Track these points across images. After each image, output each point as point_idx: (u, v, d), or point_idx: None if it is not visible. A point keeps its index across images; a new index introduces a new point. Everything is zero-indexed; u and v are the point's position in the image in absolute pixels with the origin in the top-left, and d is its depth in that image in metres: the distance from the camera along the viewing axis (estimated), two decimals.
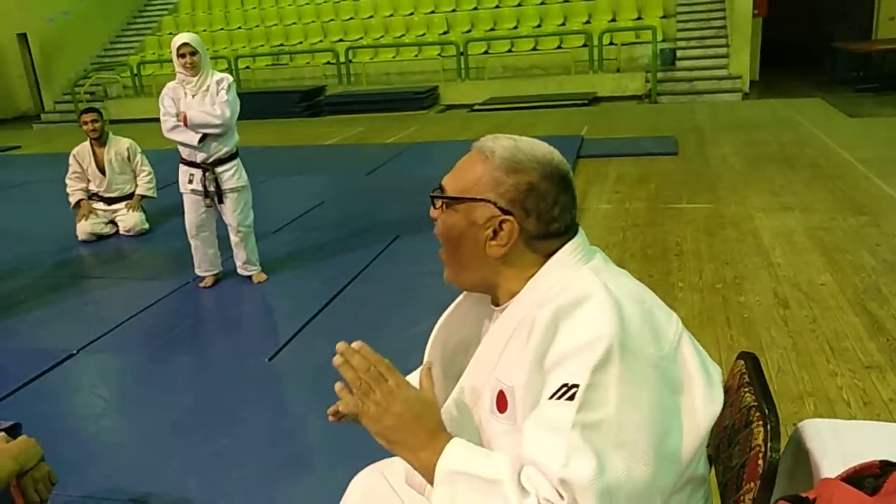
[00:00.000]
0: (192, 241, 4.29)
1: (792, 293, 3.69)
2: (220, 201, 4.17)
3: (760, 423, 1.14)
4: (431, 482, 1.03)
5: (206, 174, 4.09)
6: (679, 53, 12.54)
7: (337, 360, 1.08)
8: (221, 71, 4.37)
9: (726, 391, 1.34)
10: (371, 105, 12.44)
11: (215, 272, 4.38)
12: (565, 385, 0.97)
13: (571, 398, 0.95)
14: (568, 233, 1.15)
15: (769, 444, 1.10)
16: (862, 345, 3.11)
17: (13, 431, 1.89)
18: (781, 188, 5.68)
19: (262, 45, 15.54)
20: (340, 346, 1.09)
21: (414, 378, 1.25)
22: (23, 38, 17.29)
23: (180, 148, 4.13)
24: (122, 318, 3.93)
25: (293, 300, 4.11)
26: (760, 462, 1.11)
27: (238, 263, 4.37)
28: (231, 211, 4.19)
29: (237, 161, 4.19)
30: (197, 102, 4.00)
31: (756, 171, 6.32)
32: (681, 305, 3.62)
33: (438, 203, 1.18)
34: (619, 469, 0.93)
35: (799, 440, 1.32)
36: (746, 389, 1.26)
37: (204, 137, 4.02)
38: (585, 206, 5.53)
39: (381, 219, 5.53)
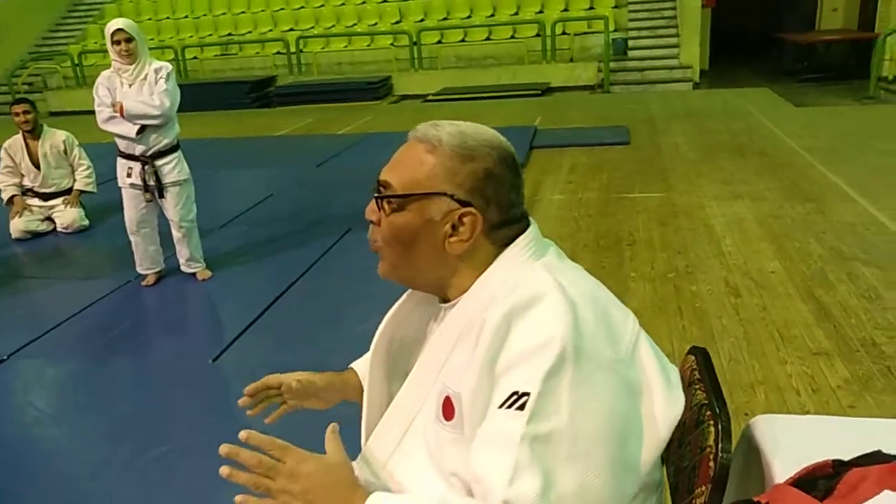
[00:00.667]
0: (132, 238, 4.11)
1: (742, 281, 3.71)
2: (161, 196, 4.00)
3: (711, 422, 1.08)
4: None
5: (146, 167, 3.91)
6: (631, 43, 12.62)
7: (224, 470, 0.95)
8: (168, 61, 4.19)
9: None
10: (323, 95, 12.23)
11: (157, 270, 4.21)
12: (515, 393, 0.90)
13: (522, 407, 0.89)
14: (522, 219, 1.08)
15: (720, 445, 1.05)
16: (810, 332, 3.13)
17: None
18: (732, 177, 5.74)
19: (210, 35, 15.13)
20: (223, 448, 0.96)
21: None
22: None
23: (117, 140, 3.94)
24: (58, 319, 3.74)
25: (239, 298, 3.97)
26: (712, 464, 1.05)
27: (181, 260, 4.21)
28: (173, 206, 4.02)
29: (178, 153, 4.02)
30: (134, 92, 3.82)
31: (708, 159, 6.37)
32: (633, 296, 3.60)
33: (386, 204, 1.06)
34: (569, 484, 0.87)
35: (750, 437, 1.28)
36: (697, 386, 1.21)
37: (142, 129, 3.84)
38: (539, 197, 5.50)
39: (332, 212, 5.41)
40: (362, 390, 1.32)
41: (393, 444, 1.13)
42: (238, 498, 0.97)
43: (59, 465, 2.53)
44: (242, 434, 1.00)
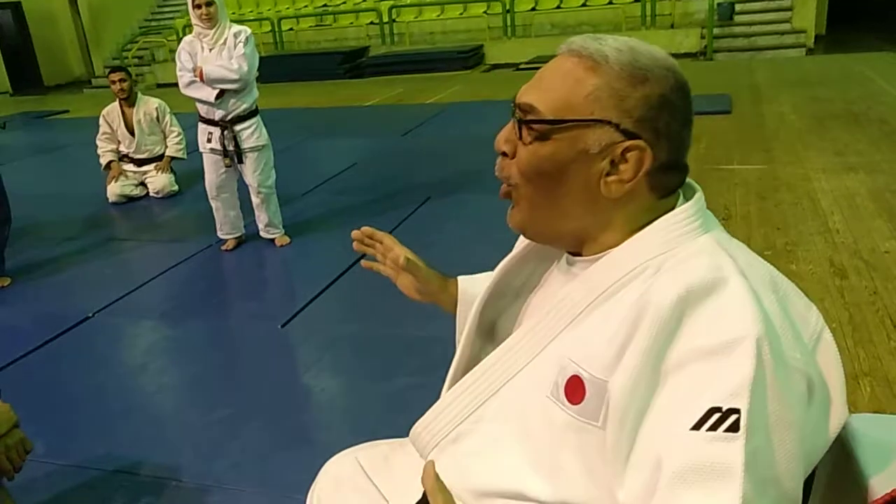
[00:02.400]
0: (212, 203, 4.17)
1: (850, 262, 3.36)
2: (240, 161, 4.02)
3: None
4: None
5: (225, 132, 3.94)
6: (738, 7, 11.84)
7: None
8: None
9: None
10: (414, 65, 12.16)
11: (237, 235, 4.26)
12: (717, 410, 0.70)
13: (734, 428, 0.70)
14: (686, 168, 0.89)
15: None
16: None
17: None
18: (845, 147, 5.24)
19: (305, 6, 15.33)
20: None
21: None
22: (73, 3, 17.52)
23: (198, 105, 3.98)
24: (142, 280, 3.85)
25: (313, 265, 3.96)
26: None
27: (260, 226, 4.24)
28: (251, 171, 4.04)
29: (257, 119, 4.02)
30: (214, 56, 3.84)
31: (817, 129, 5.86)
32: None
33: (528, 132, 0.86)
34: None
35: (844, 440, 1.07)
36: None
37: (221, 93, 3.86)
38: None
39: (412, 181, 5.32)
40: (455, 305, 1.24)
41: (474, 403, 0.97)
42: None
43: (122, 422, 2.57)
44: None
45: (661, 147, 0.84)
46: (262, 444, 2.34)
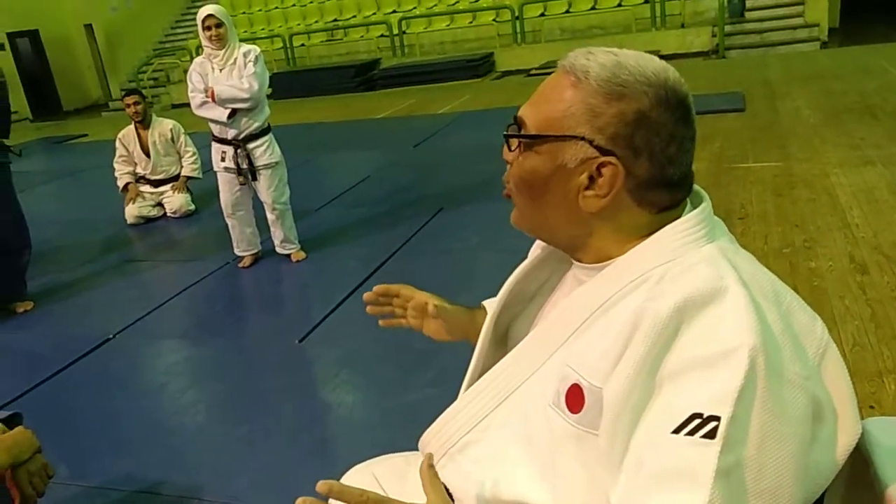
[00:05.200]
0: (228, 221, 4.20)
1: (871, 257, 3.31)
2: (254, 178, 4.06)
3: None
4: None
5: (238, 151, 3.98)
6: (749, 3, 11.77)
7: None
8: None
9: None
10: (425, 76, 12.21)
11: (254, 251, 4.29)
12: (699, 416, 0.71)
13: (711, 435, 0.70)
14: (684, 184, 0.87)
15: None
16: None
17: (11, 422, 1.81)
18: (862, 141, 5.17)
19: (316, 21, 15.47)
20: (321, 486, 0.79)
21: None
22: (89, 28, 17.82)
23: (211, 125, 4.03)
24: (161, 300, 3.89)
25: (330, 279, 3.97)
26: None
27: (276, 242, 4.27)
28: (266, 188, 4.07)
29: (269, 136, 4.06)
30: (224, 76, 3.88)
31: (833, 123, 5.79)
32: None
33: (514, 143, 0.91)
34: None
35: (861, 444, 1.05)
36: None
37: (233, 113, 3.90)
38: None
39: (425, 192, 5.34)
40: None
41: (483, 411, 0.98)
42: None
43: (146, 442, 2.60)
44: (321, 487, 0.79)
45: (641, 164, 0.83)
46: (281, 460, 2.35)
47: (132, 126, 5.58)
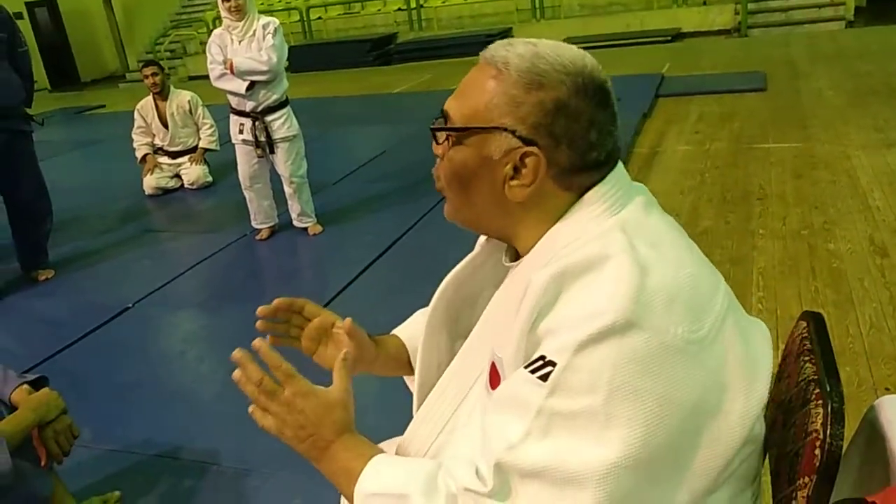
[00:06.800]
0: (246, 193, 4.23)
1: (892, 240, 3.28)
2: (272, 151, 4.07)
3: (819, 402, 0.89)
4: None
5: (256, 123, 3.99)
6: None
7: (236, 374, 0.94)
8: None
9: (784, 358, 1.09)
10: (442, 51, 12.11)
11: (271, 224, 4.32)
12: (542, 358, 0.77)
13: (545, 378, 0.76)
14: (609, 162, 0.89)
15: (828, 431, 0.86)
16: None
17: (38, 384, 1.85)
18: (886, 123, 5.10)
19: None
20: (236, 353, 0.94)
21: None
22: (107, 0, 17.80)
23: (230, 97, 4.04)
24: (179, 270, 3.94)
25: (346, 253, 4.00)
26: (818, 452, 0.87)
27: (293, 215, 4.29)
28: (283, 161, 4.09)
29: (287, 109, 4.06)
30: (243, 48, 3.88)
31: (856, 105, 5.71)
32: (761, 254, 3.28)
33: (441, 136, 0.91)
34: (591, 468, 0.74)
35: (874, 421, 1.06)
36: (807, 358, 1.01)
37: (252, 85, 3.90)
38: (662, 148, 5.15)
39: None
40: (398, 361, 1.23)
41: (447, 414, 1.02)
42: (250, 408, 0.96)
43: (165, 409, 2.65)
44: (255, 342, 0.95)
45: (562, 152, 0.86)
46: None
47: (150, 97, 5.60)
